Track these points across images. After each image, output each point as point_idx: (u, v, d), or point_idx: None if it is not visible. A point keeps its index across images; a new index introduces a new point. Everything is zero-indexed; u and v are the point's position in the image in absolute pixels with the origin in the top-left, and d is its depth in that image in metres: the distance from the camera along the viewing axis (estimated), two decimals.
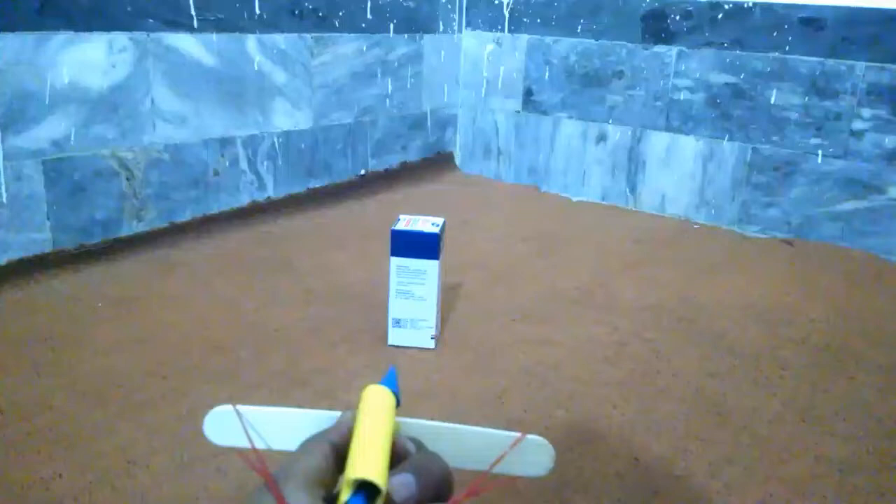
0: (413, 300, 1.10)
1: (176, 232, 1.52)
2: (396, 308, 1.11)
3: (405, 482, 0.32)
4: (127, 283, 1.31)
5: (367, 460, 0.32)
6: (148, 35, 1.40)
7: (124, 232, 1.44)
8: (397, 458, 0.34)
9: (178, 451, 0.85)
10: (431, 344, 1.12)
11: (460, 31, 2.14)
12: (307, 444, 0.35)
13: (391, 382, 0.39)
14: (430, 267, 1.08)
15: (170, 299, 1.25)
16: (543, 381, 1.04)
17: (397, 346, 1.12)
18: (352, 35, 1.80)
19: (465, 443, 0.38)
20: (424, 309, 1.10)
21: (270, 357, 1.07)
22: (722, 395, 1.02)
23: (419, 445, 0.37)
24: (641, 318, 1.27)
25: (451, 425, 0.38)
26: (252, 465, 0.33)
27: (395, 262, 1.09)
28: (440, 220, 1.11)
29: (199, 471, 0.82)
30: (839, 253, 1.62)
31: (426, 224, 1.09)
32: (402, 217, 1.12)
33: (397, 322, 1.12)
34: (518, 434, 0.37)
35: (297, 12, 1.66)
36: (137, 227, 1.46)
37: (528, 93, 2.07)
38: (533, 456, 0.37)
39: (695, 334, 1.21)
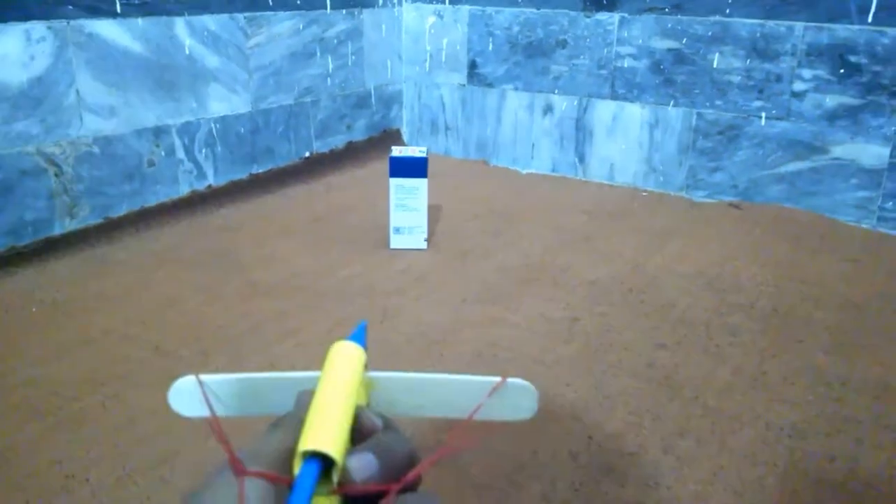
0: (409, 211, 1.40)
1: (112, 228, 1.46)
2: (397, 218, 1.41)
3: (366, 462, 0.31)
4: (61, 285, 1.25)
5: (320, 431, 0.30)
6: (68, 23, 1.33)
7: (56, 231, 1.38)
8: (363, 435, 0.33)
9: (118, 462, 0.82)
10: (425, 245, 1.42)
11: (400, 4, 2.09)
12: (277, 423, 0.33)
13: (360, 338, 0.37)
14: (421, 184, 1.38)
15: (107, 300, 1.20)
16: (495, 363, 1.03)
17: (398, 249, 1.42)
18: (286, 13, 1.75)
19: (444, 392, 0.36)
20: (418, 217, 1.41)
21: (213, 356, 1.04)
22: (673, 367, 1.02)
23: (387, 423, 0.35)
24: (593, 291, 1.26)
25: (428, 375, 0.37)
26: (218, 437, 0.32)
27: (394, 182, 1.38)
28: (425, 149, 1.40)
29: (141, 482, 0.79)
30: (785, 214, 1.64)
31: (415, 151, 1.38)
32: (394, 147, 1.40)
33: (398, 230, 1.42)
34: (498, 378, 0.36)
35: None
36: (70, 225, 1.40)
37: (473, 65, 2.03)
38: (516, 399, 0.36)
39: (645, 305, 1.21)
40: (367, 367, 0.36)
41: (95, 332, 1.10)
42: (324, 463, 0.30)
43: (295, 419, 0.33)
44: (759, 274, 1.33)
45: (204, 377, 0.36)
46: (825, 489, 0.79)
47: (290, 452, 0.31)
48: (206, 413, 0.35)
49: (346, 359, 0.35)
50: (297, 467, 0.29)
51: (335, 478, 0.30)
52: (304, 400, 0.34)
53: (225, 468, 0.30)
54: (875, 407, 0.93)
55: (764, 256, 1.41)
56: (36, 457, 0.83)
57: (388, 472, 0.31)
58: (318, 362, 0.36)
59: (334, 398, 0.32)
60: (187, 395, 0.36)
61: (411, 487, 0.33)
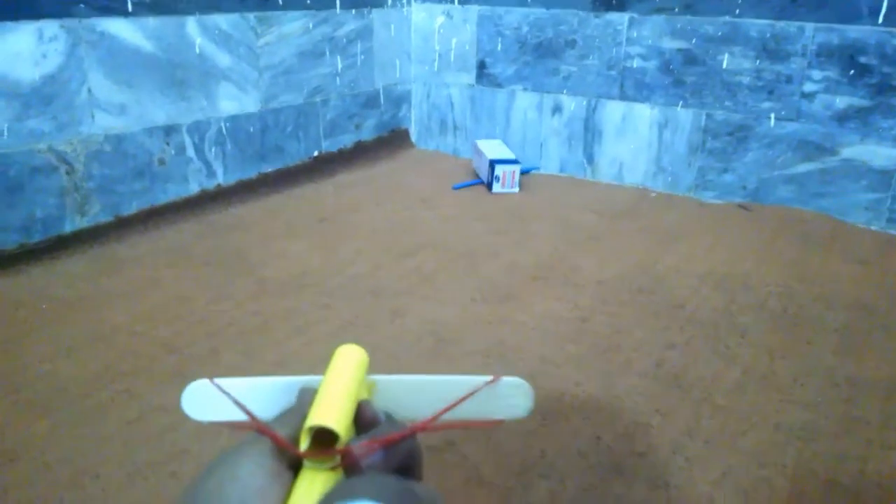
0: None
1: (122, 226, 1.47)
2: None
3: (369, 447, 0.33)
4: (72, 283, 1.26)
5: (324, 410, 0.33)
6: (80, 21, 1.34)
7: (67, 228, 1.39)
8: (365, 426, 0.35)
9: (128, 458, 0.82)
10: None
11: (409, 4, 2.10)
12: (282, 415, 0.35)
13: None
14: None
15: (117, 297, 1.21)
16: (505, 362, 1.03)
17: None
18: (297, 13, 1.75)
19: (442, 391, 0.38)
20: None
21: (223, 353, 1.04)
22: (682, 367, 1.02)
23: (388, 417, 0.37)
24: (602, 291, 1.26)
25: (426, 377, 0.39)
26: (242, 426, 0.34)
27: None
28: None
29: (152, 478, 0.79)
30: (794, 215, 1.63)
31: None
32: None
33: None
34: (491, 377, 0.37)
35: None
36: (81, 223, 1.41)
37: (482, 65, 2.03)
38: (512, 398, 0.38)
39: (655, 305, 1.21)
40: (368, 370, 0.39)
41: (105, 329, 1.10)
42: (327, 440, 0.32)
43: (299, 411, 0.35)
44: (768, 275, 1.33)
45: (217, 380, 0.38)
46: (834, 490, 0.79)
47: (291, 440, 0.34)
48: (216, 418, 0.37)
49: (349, 358, 0.38)
50: (304, 443, 0.32)
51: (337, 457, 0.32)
52: (306, 396, 0.36)
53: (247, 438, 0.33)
54: (885, 408, 0.93)
55: (773, 257, 1.41)
56: (46, 453, 0.83)
57: (390, 459, 0.33)
58: (327, 360, 0.38)
59: (339, 386, 0.35)
60: (199, 399, 0.38)
61: (413, 474, 0.34)
